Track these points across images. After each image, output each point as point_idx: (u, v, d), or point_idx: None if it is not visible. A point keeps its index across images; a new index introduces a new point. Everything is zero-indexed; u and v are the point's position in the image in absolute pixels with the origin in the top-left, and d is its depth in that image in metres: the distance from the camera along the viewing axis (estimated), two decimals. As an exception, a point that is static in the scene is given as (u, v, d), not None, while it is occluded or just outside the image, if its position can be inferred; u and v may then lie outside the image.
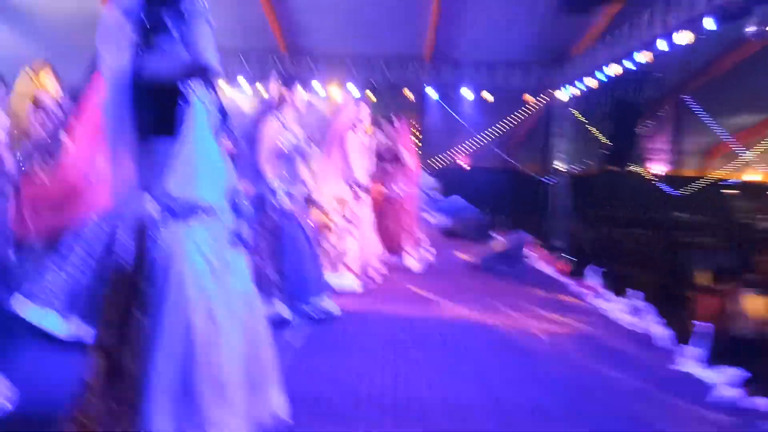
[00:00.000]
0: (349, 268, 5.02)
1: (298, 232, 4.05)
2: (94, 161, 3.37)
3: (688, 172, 19.93)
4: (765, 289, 5.06)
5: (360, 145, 5.25)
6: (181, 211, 1.81)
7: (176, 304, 1.75)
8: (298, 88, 4.13)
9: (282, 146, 3.98)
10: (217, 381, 1.77)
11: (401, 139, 6.60)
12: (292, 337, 3.70)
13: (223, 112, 1.99)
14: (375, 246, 5.53)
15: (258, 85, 14.26)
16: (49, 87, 5.06)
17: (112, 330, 1.77)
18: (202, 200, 1.85)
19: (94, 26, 2.12)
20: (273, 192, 3.94)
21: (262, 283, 3.86)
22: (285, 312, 3.93)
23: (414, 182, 6.75)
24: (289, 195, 4.03)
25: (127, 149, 1.78)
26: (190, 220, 1.83)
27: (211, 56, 1.79)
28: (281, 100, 4.05)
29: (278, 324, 3.85)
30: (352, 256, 5.09)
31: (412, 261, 6.04)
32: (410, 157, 6.58)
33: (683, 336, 3.96)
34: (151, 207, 1.80)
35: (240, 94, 14.37)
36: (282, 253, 3.97)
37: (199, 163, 1.84)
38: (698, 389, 3.27)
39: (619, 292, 5.37)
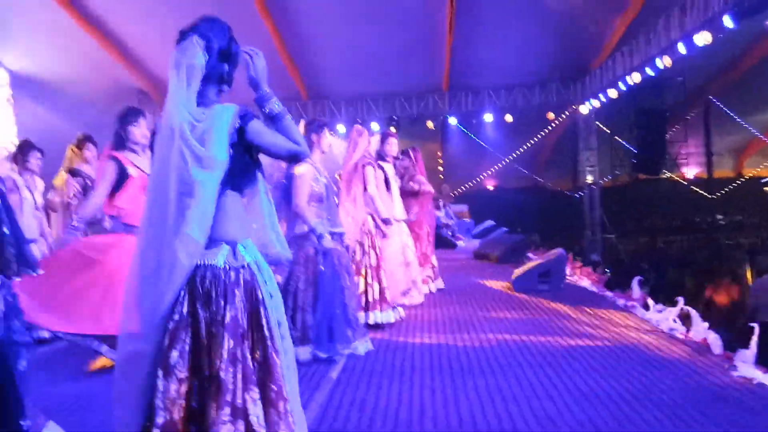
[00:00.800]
0: (389, 304, 5.02)
1: (338, 276, 4.09)
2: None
3: (723, 172, 19.46)
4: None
5: (381, 178, 5.25)
6: (269, 259, 2.02)
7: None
8: (326, 132, 4.25)
9: (317, 189, 4.07)
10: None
11: (418, 168, 6.67)
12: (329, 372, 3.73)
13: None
14: (400, 279, 5.49)
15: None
16: (90, 159, 5.32)
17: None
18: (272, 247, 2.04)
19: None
20: (319, 235, 4.01)
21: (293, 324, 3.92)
22: (305, 354, 3.91)
23: (429, 210, 6.85)
24: (331, 236, 4.09)
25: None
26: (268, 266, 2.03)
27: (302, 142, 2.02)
28: (309, 145, 4.14)
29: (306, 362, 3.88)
30: (391, 291, 5.11)
31: (416, 295, 5.80)
32: (426, 186, 6.64)
33: (737, 340, 3.83)
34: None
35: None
36: (318, 296, 4.01)
37: (267, 215, 2.02)
38: (758, 393, 3.14)
39: (667, 301, 5.22)
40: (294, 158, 2.05)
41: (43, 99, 11.86)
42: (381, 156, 5.52)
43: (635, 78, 11.42)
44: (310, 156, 1.96)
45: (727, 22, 8.18)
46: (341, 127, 14.61)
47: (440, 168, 16.96)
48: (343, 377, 3.66)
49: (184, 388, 1.82)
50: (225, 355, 1.81)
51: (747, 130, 17.40)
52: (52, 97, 11.87)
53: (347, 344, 4.03)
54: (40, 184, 5.15)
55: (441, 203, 12.07)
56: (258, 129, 1.93)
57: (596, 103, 13.63)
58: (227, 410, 1.79)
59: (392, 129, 12.27)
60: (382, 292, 4.96)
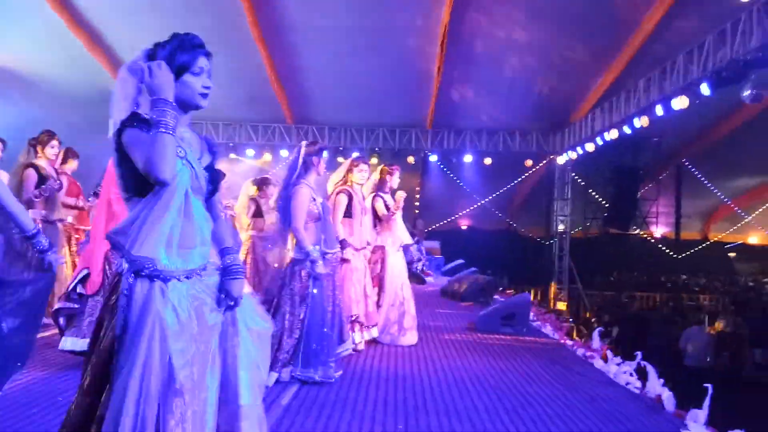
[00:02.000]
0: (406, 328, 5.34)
1: (326, 300, 4.12)
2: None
3: (690, 234, 19.96)
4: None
5: (360, 206, 5.26)
6: (152, 271, 1.83)
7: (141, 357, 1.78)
8: (324, 155, 4.30)
9: (314, 210, 4.11)
10: None
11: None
12: (287, 398, 3.64)
13: (213, 176, 2.04)
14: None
15: (267, 155, 14.68)
16: (51, 156, 5.26)
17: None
18: (177, 262, 1.87)
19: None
20: (313, 261, 4.03)
21: (277, 345, 3.86)
22: (284, 376, 3.93)
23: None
24: (324, 257, 4.11)
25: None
26: (166, 281, 1.85)
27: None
28: (307, 167, 4.19)
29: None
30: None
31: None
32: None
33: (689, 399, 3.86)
34: (125, 265, 1.85)
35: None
36: (307, 319, 4.02)
37: (175, 225, 1.87)
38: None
39: (626, 355, 5.26)
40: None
41: (23, 94, 11.70)
42: (380, 188, 5.62)
43: (612, 134, 11.74)
44: (163, 181, 1.85)
45: (704, 89, 8.50)
46: (324, 154, 14.63)
47: (416, 203, 17.06)
48: (294, 405, 3.58)
49: None
50: None
51: (716, 195, 17.94)
52: (32, 93, 11.72)
53: (330, 368, 4.04)
54: (4, 176, 5.05)
55: (414, 238, 12.08)
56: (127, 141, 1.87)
57: (573, 155, 13.94)
58: None
59: (372, 161, 12.32)
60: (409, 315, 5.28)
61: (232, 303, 1.97)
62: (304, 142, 4.39)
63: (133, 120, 1.87)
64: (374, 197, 5.56)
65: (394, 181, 5.70)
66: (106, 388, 1.80)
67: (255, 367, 1.99)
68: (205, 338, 1.88)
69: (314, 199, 4.14)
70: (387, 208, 5.56)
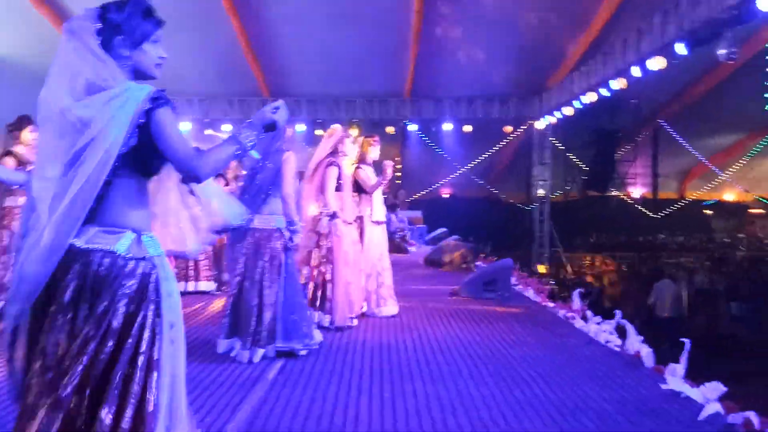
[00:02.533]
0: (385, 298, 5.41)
1: (296, 272, 4.21)
2: None
3: (668, 194, 20.25)
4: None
5: (344, 177, 5.24)
6: (150, 245, 1.82)
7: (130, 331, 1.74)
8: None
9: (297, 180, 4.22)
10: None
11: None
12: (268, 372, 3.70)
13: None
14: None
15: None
16: (30, 142, 5.11)
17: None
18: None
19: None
20: (293, 231, 4.09)
21: (246, 317, 3.87)
22: (270, 352, 3.94)
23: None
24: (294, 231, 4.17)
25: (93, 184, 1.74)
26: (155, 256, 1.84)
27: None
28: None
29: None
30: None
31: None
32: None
33: (669, 355, 3.96)
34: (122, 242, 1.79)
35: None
36: (284, 291, 4.03)
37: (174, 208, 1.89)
38: (685, 407, 3.26)
39: (605, 314, 5.37)
40: (183, 172, 1.84)
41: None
42: (362, 159, 5.60)
43: (590, 97, 11.75)
44: (200, 180, 1.84)
45: (680, 49, 8.51)
46: (301, 126, 14.51)
47: (398, 174, 17.04)
48: (280, 378, 3.61)
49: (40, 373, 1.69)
50: (76, 348, 1.67)
51: (692, 154, 18.15)
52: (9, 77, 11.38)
53: (311, 338, 4.10)
54: None
55: (396, 209, 12.10)
56: (162, 120, 1.74)
57: (552, 120, 13.96)
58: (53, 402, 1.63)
59: (351, 131, 12.21)
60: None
61: None
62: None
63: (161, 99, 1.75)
64: (356, 169, 5.54)
65: (375, 152, 5.69)
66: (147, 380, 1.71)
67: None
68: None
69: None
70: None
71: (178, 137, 1.77)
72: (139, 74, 1.85)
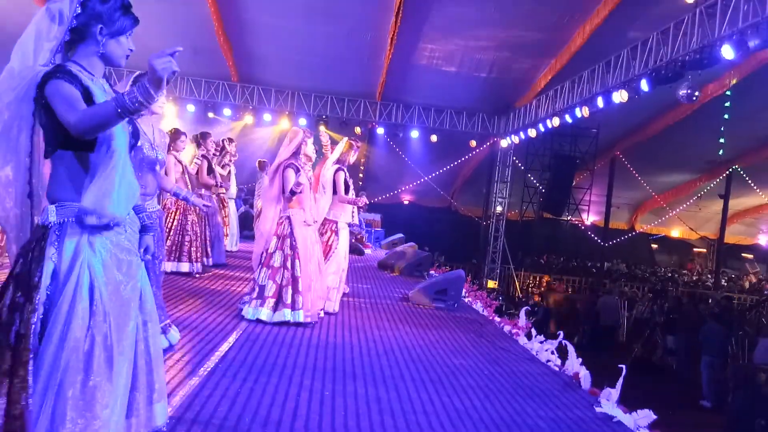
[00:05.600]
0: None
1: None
2: None
3: (618, 224, 20.90)
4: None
5: (308, 180, 5.17)
6: (92, 223, 1.86)
7: (68, 312, 1.80)
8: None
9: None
10: (100, 387, 1.79)
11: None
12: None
13: (135, 132, 2.08)
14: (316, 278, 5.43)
15: (210, 114, 14.22)
16: None
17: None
18: (113, 214, 1.90)
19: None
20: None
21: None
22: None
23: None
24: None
25: (37, 159, 1.88)
26: (99, 232, 1.90)
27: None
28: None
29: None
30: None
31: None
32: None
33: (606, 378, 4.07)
34: (56, 217, 1.87)
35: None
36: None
37: (116, 179, 1.89)
38: (617, 431, 3.35)
39: (549, 334, 5.49)
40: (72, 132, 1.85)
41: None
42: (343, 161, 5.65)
43: (554, 122, 12.05)
44: (84, 137, 1.84)
45: (644, 85, 8.83)
46: (267, 116, 14.34)
47: (360, 175, 17.04)
48: (221, 366, 3.55)
49: None
50: None
51: (644, 188, 18.80)
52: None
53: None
54: None
55: (358, 210, 12.07)
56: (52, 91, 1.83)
57: (516, 140, 14.23)
58: None
59: (321, 128, 12.11)
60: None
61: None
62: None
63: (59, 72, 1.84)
64: (337, 171, 5.50)
65: (353, 156, 5.73)
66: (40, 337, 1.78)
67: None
68: (132, 283, 1.95)
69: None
70: (347, 190, 5.63)
71: (62, 103, 1.81)
72: (107, 60, 1.98)
